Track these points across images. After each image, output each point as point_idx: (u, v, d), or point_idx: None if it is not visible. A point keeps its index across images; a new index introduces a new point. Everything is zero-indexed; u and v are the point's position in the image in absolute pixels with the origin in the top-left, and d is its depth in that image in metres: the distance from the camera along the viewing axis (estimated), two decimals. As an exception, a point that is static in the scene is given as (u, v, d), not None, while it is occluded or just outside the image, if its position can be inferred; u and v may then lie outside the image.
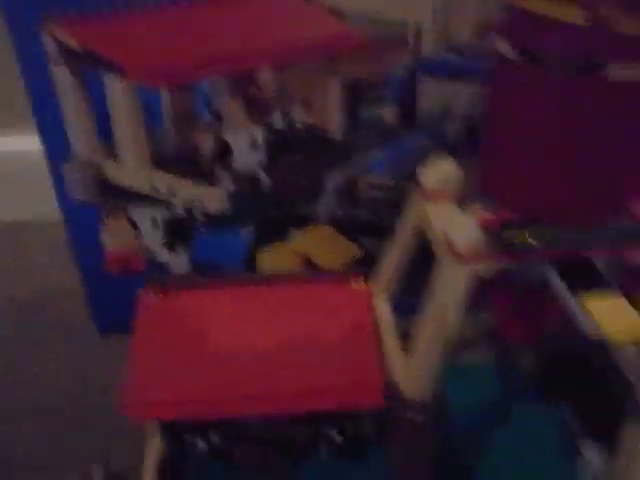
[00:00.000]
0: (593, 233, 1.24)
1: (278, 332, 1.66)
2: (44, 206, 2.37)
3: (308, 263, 1.97)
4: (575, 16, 1.04)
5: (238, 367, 1.57)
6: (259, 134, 1.83)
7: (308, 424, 1.75)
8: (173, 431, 1.76)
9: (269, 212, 1.97)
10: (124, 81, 1.69)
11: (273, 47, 1.74)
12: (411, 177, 1.48)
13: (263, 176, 1.87)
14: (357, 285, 1.77)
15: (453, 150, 1.58)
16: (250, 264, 1.97)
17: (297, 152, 1.84)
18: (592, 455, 1.81)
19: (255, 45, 1.74)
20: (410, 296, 1.54)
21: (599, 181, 1.20)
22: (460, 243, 1.24)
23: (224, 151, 1.84)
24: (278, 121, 1.86)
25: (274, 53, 1.75)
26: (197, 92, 1.95)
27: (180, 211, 1.91)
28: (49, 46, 1.77)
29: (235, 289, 1.81)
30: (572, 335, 1.66)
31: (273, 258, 1.98)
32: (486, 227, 1.25)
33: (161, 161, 1.86)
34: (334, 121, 1.88)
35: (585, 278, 1.26)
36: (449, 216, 1.34)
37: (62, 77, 1.81)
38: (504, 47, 1.18)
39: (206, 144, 1.84)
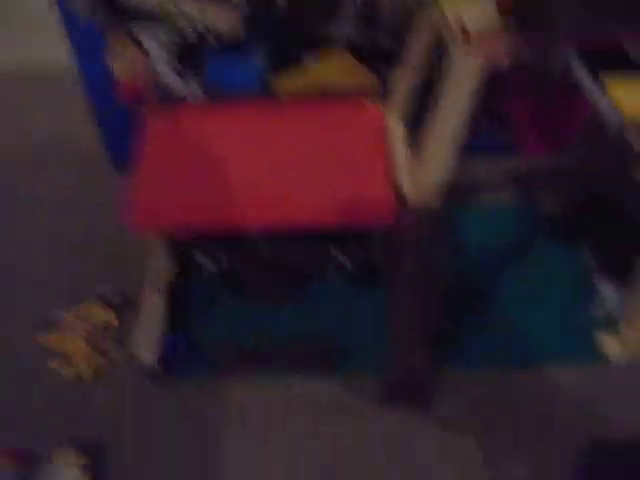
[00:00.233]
0: (626, 12, 1.11)
1: (289, 150, 1.62)
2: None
3: (323, 89, 1.88)
4: None
5: (247, 181, 1.55)
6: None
7: (317, 246, 1.73)
8: (182, 249, 1.76)
9: (284, 35, 1.86)
10: None
11: None
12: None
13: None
14: (371, 108, 1.70)
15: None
16: (264, 91, 1.89)
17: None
18: (608, 291, 1.77)
19: None
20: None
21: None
22: (472, 25, 1.13)
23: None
24: None
25: None
26: None
27: (191, 35, 1.81)
28: None
29: (248, 112, 1.75)
30: (595, 139, 1.57)
31: (288, 84, 1.89)
32: (504, 7, 1.13)
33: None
34: None
35: (614, 65, 1.14)
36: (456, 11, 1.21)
37: None
38: None
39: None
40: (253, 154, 1.61)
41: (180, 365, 1.72)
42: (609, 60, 1.13)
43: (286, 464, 1.56)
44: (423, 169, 1.35)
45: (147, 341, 1.70)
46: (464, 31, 1.15)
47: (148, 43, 1.87)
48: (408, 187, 1.42)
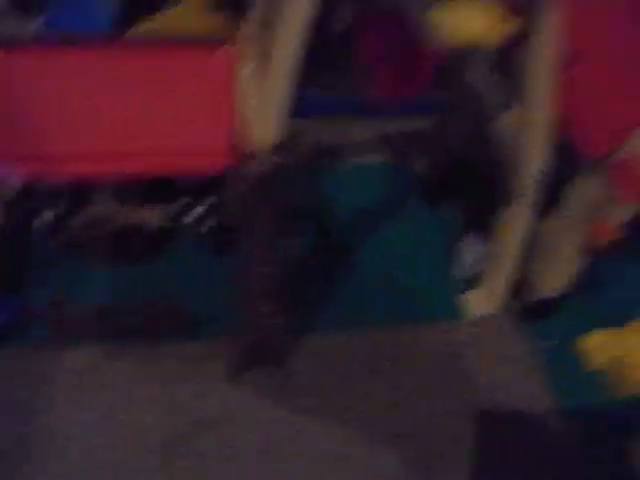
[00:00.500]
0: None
1: (127, 99, 1.50)
2: None
3: (178, 33, 1.76)
4: None
5: (81, 127, 1.44)
6: None
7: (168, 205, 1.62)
8: (14, 201, 1.61)
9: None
10: None
11: None
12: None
13: None
14: (220, 50, 1.59)
15: None
16: (114, 33, 1.75)
17: None
18: (471, 250, 1.75)
19: None
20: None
21: None
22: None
23: None
24: None
25: None
26: None
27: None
28: None
29: (90, 55, 1.60)
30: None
31: (141, 28, 1.76)
32: None
33: None
34: None
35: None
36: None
37: None
38: None
39: None
40: (88, 100, 1.48)
41: (15, 330, 1.57)
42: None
43: (127, 435, 1.44)
44: (263, 109, 1.26)
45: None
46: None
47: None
48: (251, 131, 1.33)
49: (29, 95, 1.50)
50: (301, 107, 1.29)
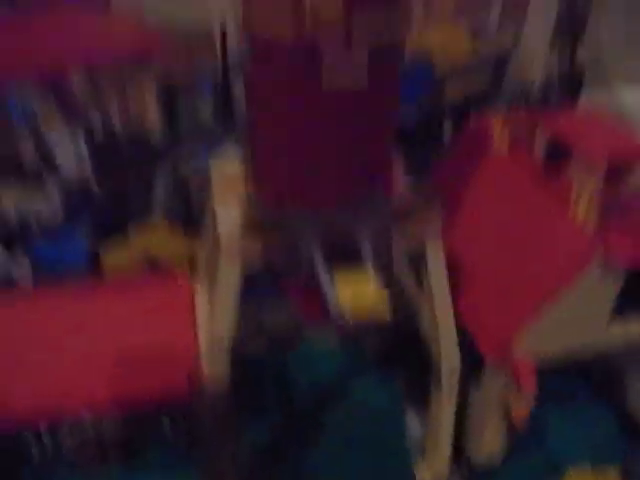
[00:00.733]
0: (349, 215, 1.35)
1: (97, 339, 1.68)
2: None
3: (149, 258, 2.04)
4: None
5: (53, 375, 1.60)
6: (80, 136, 1.88)
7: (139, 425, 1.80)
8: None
9: (104, 215, 2.02)
10: None
11: (81, 49, 1.79)
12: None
13: (91, 178, 1.93)
14: (181, 277, 1.84)
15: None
16: (93, 263, 2.02)
17: (120, 152, 1.90)
18: (413, 424, 1.95)
19: (63, 46, 1.78)
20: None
21: (336, 167, 1.31)
22: (223, 236, 1.33)
23: (47, 156, 1.88)
24: (97, 124, 1.91)
25: (82, 56, 1.80)
26: (12, 106, 1.97)
27: (13, 219, 1.95)
28: None
29: (67, 293, 1.83)
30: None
31: (116, 257, 2.04)
32: (253, 218, 1.34)
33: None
34: (152, 121, 1.94)
35: (347, 260, 1.36)
36: (222, 213, 1.42)
37: None
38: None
39: (28, 152, 1.88)
40: (61, 345, 1.65)
41: None
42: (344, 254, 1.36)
43: None
44: (212, 332, 1.49)
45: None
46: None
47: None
48: (204, 356, 1.56)
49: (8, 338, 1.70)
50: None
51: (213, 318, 1.49)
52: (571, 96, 2.39)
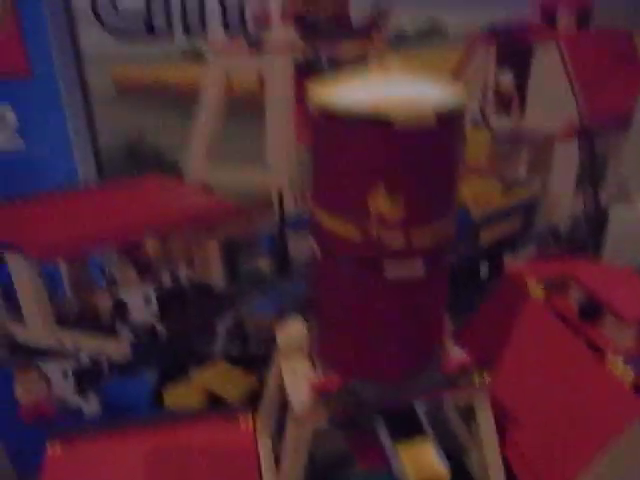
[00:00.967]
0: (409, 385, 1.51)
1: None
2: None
3: (211, 395, 2.20)
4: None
5: None
6: (151, 291, 2.08)
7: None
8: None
9: (168, 356, 2.20)
10: (23, 257, 1.94)
11: (155, 222, 2.03)
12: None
13: (159, 325, 2.12)
14: (243, 422, 1.98)
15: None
16: (157, 402, 2.19)
17: (186, 302, 2.10)
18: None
19: (139, 221, 2.03)
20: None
21: (400, 346, 1.47)
22: (296, 404, 1.49)
23: (121, 308, 2.08)
24: (167, 279, 2.13)
25: (156, 227, 2.04)
26: (92, 262, 2.20)
27: (87, 362, 2.13)
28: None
29: (132, 435, 1.96)
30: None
31: (178, 395, 2.21)
32: (322, 388, 1.50)
33: (65, 321, 2.10)
34: (216, 276, 2.16)
35: (407, 425, 1.52)
36: (290, 376, 1.59)
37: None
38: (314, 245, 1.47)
39: (105, 304, 2.09)
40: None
41: None
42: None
43: None
44: None
45: None
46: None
47: (51, 373, 2.17)
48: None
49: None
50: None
51: (280, 474, 1.63)
52: (596, 233, 2.58)
